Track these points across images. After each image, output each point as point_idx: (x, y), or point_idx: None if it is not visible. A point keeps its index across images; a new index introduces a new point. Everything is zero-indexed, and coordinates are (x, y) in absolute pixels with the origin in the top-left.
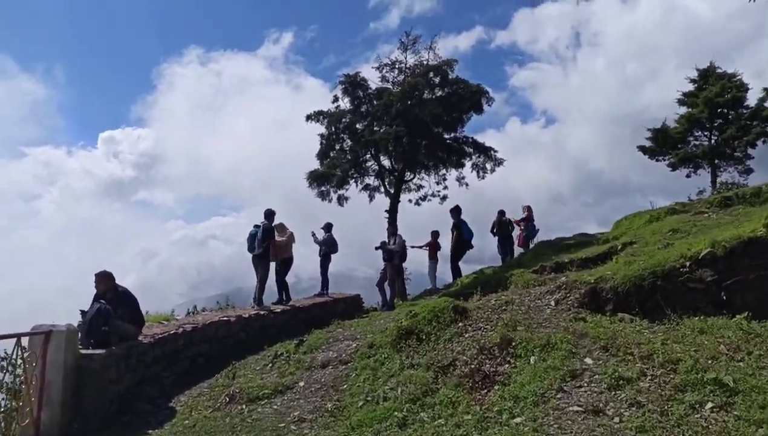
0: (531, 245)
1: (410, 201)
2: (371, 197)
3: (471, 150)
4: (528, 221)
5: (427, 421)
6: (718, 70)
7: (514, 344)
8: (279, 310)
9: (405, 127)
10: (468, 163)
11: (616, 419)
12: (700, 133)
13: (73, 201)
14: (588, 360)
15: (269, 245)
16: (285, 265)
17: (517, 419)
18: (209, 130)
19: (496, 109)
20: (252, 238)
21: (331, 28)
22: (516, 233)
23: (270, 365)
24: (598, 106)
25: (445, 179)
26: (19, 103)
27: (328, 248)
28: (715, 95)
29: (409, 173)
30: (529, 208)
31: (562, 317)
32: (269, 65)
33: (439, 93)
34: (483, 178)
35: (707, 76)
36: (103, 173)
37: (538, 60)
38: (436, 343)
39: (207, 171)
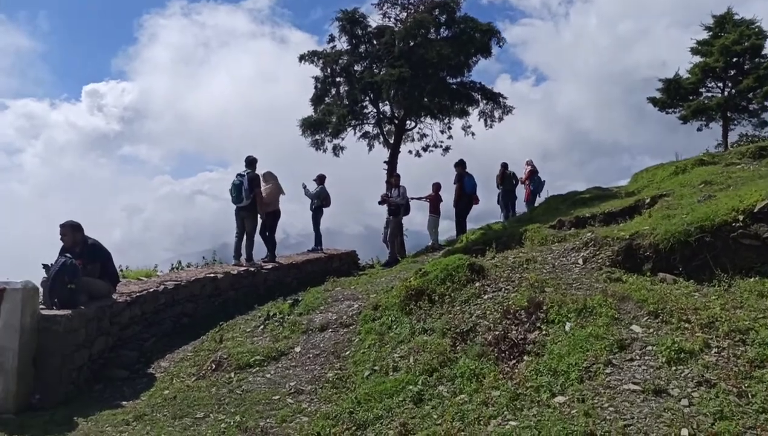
0: (537, 200)
1: (410, 152)
2: (370, 146)
3: (479, 96)
4: (533, 175)
5: (446, 396)
6: (736, 17)
7: (544, 307)
8: (270, 266)
9: (409, 69)
10: (474, 111)
11: (684, 402)
12: (713, 84)
13: (57, 154)
14: (635, 328)
15: (257, 195)
16: (272, 219)
17: (560, 398)
18: (194, 84)
19: (486, 65)
20: (237, 187)
21: None
22: (520, 188)
23: (262, 327)
24: (589, 65)
25: (449, 128)
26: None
27: (320, 201)
28: (732, 43)
29: (410, 121)
30: (531, 163)
31: (593, 276)
32: (254, 18)
33: (446, 33)
34: (491, 126)
35: (723, 23)
36: (88, 126)
37: (530, 16)
38: (452, 305)
39: (192, 126)
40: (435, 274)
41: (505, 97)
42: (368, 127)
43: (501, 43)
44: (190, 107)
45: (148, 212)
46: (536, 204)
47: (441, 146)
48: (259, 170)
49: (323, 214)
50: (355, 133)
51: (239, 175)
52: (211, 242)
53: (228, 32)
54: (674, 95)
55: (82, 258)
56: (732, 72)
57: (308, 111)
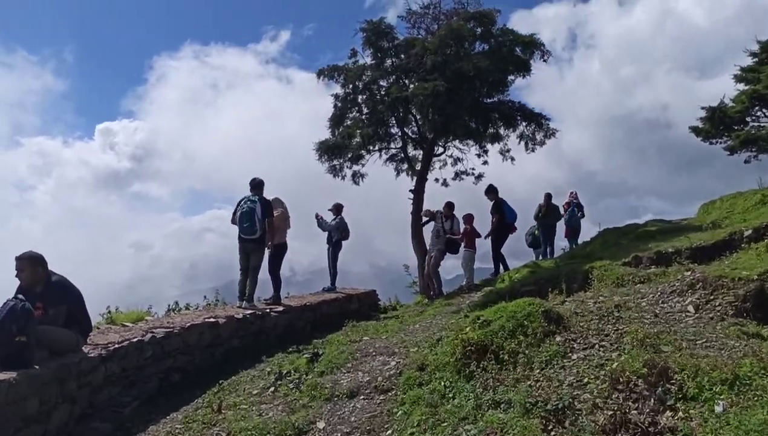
0: (578, 236)
1: (437, 180)
2: (398, 171)
3: (518, 117)
4: (571, 207)
5: None
6: None
7: (672, 376)
8: (281, 309)
9: (444, 83)
10: (510, 134)
11: None
12: (762, 113)
13: (68, 192)
14: None
15: (269, 224)
16: (279, 253)
17: None
18: (205, 125)
19: None
20: (250, 215)
21: (328, 26)
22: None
23: (272, 389)
24: (592, 108)
25: (486, 152)
26: (16, 93)
27: (339, 233)
28: None
29: (438, 146)
30: (571, 194)
31: (718, 330)
32: (265, 62)
33: (482, 47)
34: (533, 150)
35: None
36: (100, 164)
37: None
38: (529, 368)
39: (202, 165)
40: (500, 323)
41: (548, 119)
42: (395, 150)
43: (546, 57)
44: (198, 146)
45: (157, 249)
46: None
47: (473, 174)
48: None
49: (341, 249)
50: (381, 156)
51: (249, 199)
52: (217, 279)
53: (239, 75)
54: (719, 124)
55: (44, 300)
56: None
57: (316, 137)
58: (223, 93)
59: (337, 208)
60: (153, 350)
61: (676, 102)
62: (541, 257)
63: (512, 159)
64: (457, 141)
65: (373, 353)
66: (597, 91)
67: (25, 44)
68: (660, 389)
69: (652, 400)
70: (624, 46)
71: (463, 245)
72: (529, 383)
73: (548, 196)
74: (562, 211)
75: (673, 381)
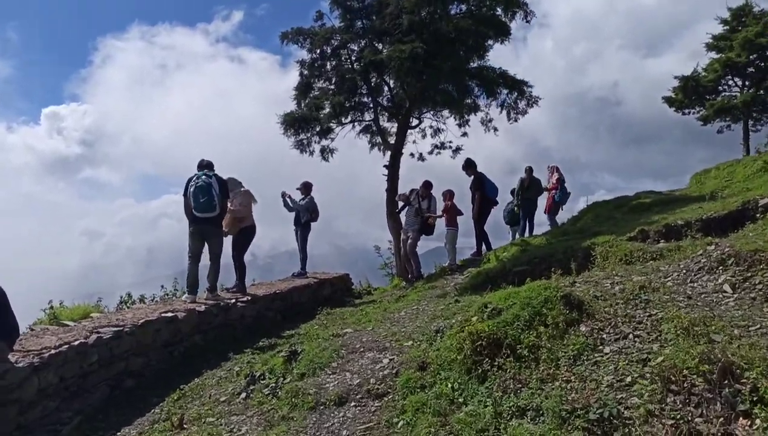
0: (560, 212)
1: (412, 155)
2: (372, 144)
3: (501, 83)
4: (561, 183)
5: None
6: (756, 9)
7: (739, 373)
8: (246, 299)
9: (422, 45)
10: (490, 103)
11: None
12: (734, 82)
13: (13, 178)
14: None
15: (224, 205)
16: (245, 237)
17: None
18: (154, 107)
19: None
20: (206, 190)
21: (282, 7)
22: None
23: (243, 395)
24: (547, 87)
25: (467, 122)
26: None
27: (309, 214)
28: (755, 35)
29: (414, 117)
30: (557, 169)
31: (766, 312)
32: (216, 41)
33: (460, 8)
34: (516, 120)
35: (742, 16)
36: (47, 150)
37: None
38: (555, 365)
39: (153, 149)
40: (513, 312)
41: (530, 86)
42: (367, 122)
43: (529, 18)
44: (149, 129)
45: (110, 236)
46: (557, 217)
47: (450, 147)
48: None
49: (311, 231)
50: (353, 127)
51: (204, 174)
52: (175, 266)
53: (190, 55)
54: (692, 94)
55: None
56: (754, 68)
57: (271, 118)
58: (173, 74)
59: (306, 187)
60: (99, 354)
61: (625, 79)
62: (517, 235)
63: (495, 129)
64: (435, 111)
65: (361, 349)
66: (551, 70)
67: None
68: (727, 390)
69: (718, 404)
70: (576, 25)
71: (445, 223)
72: (558, 383)
73: (530, 170)
74: (548, 185)
75: (743, 380)
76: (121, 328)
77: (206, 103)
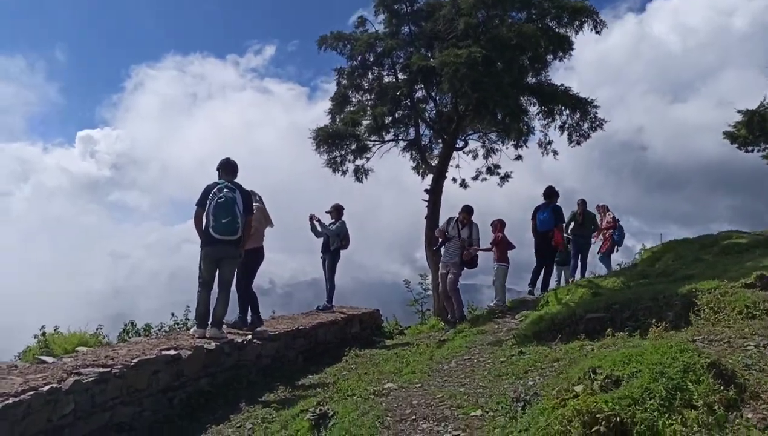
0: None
1: (454, 180)
2: (418, 162)
3: (563, 101)
4: (617, 222)
5: None
6: None
7: None
8: (267, 335)
9: (481, 50)
10: (550, 122)
11: None
12: None
13: (46, 199)
14: None
15: (248, 222)
16: (254, 261)
17: None
18: (184, 134)
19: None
20: (229, 207)
21: (313, 44)
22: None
23: None
24: (553, 140)
25: (525, 143)
26: None
27: (339, 241)
28: None
29: (460, 138)
30: (606, 207)
31: None
32: (246, 73)
33: (519, 16)
34: (578, 143)
35: None
36: (79, 172)
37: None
38: None
39: (180, 174)
40: (640, 384)
41: (596, 106)
42: (404, 141)
43: (599, 29)
44: (176, 154)
45: (134, 259)
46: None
47: (497, 173)
48: None
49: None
50: (396, 144)
51: (226, 187)
52: (193, 293)
53: (216, 84)
54: (757, 130)
55: None
56: None
57: (295, 148)
58: (202, 103)
59: (338, 211)
60: (77, 403)
61: (650, 124)
62: (569, 277)
63: (555, 153)
64: (486, 130)
65: (412, 417)
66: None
67: (5, 48)
68: None
69: None
70: (600, 69)
71: (494, 258)
72: None
73: (583, 203)
74: (602, 224)
75: None
76: (108, 369)
77: (233, 131)
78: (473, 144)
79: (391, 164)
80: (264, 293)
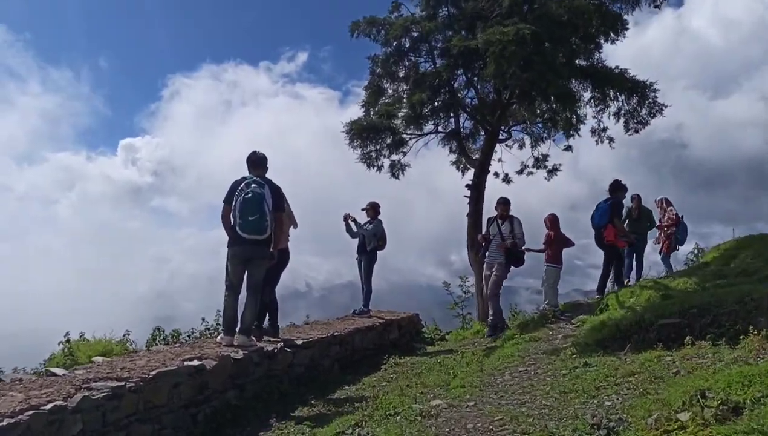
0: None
1: (497, 175)
2: (458, 156)
3: (619, 85)
4: (680, 219)
5: None
6: None
7: None
8: (300, 342)
9: (529, 27)
10: (605, 107)
11: None
12: None
13: (91, 206)
14: None
15: (278, 220)
16: (280, 263)
17: None
18: (219, 141)
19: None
20: (257, 203)
21: (345, 50)
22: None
23: None
24: (608, 126)
25: (576, 131)
26: (39, 111)
27: (376, 241)
28: None
29: (503, 130)
30: (668, 201)
31: None
32: (280, 80)
33: None
34: (636, 131)
35: None
36: (121, 179)
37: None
38: None
39: (216, 180)
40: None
41: (655, 90)
42: (443, 133)
43: (659, 3)
44: (213, 161)
45: (175, 263)
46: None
47: (545, 166)
48: None
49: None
50: (436, 136)
51: (254, 181)
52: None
53: (249, 91)
54: None
55: None
56: None
57: (327, 151)
58: (237, 110)
59: (374, 209)
60: (85, 423)
61: (690, 122)
62: (627, 277)
63: (611, 140)
64: (534, 118)
65: None
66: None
67: (49, 61)
68: None
69: None
70: (639, 64)
71: (545, 258)
72: None
73: (638, 198)
74: (663, 221)
75: None
76: (122, 383)
77: (267, 136)
78: (517, 136)
79: (425, 165)
80: (300, 296)
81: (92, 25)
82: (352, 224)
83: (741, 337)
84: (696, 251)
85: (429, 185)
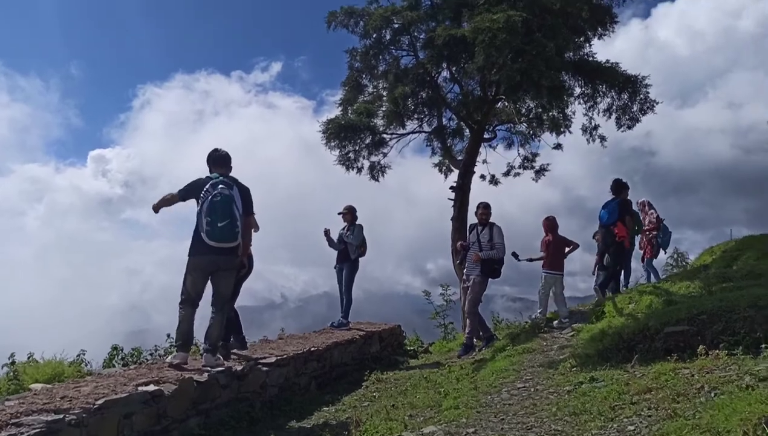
0: (659, 257)
1: (483, 177)
2: (441, 159)
3: (606, 81)
4: (661, 222)
5: None
6: None
7: None
8: (272, 360)
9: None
10: (596, 103)
11: None
12: None
13: (60, 217)
14: None
15: (248, 224)
16: (245, 271)
17: None
18: (194, 151)
19: None
20: (226, 207)
21: (319, 59)
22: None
23: None
24: (579, 136)
25: (568, 127)
26: (7, 121)
27: (358, 250)
28: None
29: (487, 130)
30: (649, 204)
31: None
32: (254, 90)
33: None
34: (628, 127)
35: None
36: (91, 190)
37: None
38: None
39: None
40: None
41: (647, 85)
42: (425, 132)
43: None
44: (184, 173)
45: (146, 275)
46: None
47: (530, 166)
48: None
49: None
50: (419, 134)
51: (221, 182)
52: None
53: (228, 103)
54: None
55: None
56: None
57: (300, 162)
58: (209, 120)
59: (352, 212)
60: None
61: (658, 130)
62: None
63: (602, 139)
64: (517, 119)
65: None
66: (581, 118)
67: (18, 69)
68: None
69: None
70: None
71: (542, 265)
72: None
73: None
74: (649, 233)
75: None
76: (61, 415)
77: (240, 146)
78: (502, 135)
79: (401, 173)
80: (276, 307)
81: (64, 32)
82: (332, 238)
83: (763, 345)
84: (675, 256)
85: (405, 193)
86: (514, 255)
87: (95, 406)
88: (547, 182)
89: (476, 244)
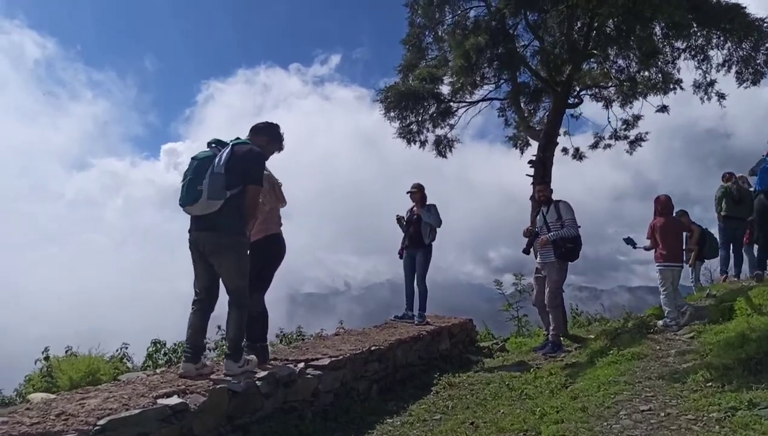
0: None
1: (565, 151)
2: (515, 131)
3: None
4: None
5: None
6: None
7: None
8: (326, 362)
9: None
10: (715, 52)
11: None
12: None
13: (136, 209)
14: None
15: (248, 194)
16: (267, 254)
17: None
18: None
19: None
20: (196, 166)
21: (378, 51)
22: None
23: None
24: (650, 117)
25: (679, 84)
26: (86, 118)
27: (432, 233)
28: None
29: (573, 94)
30: (745, 179)
31: None
32: (313, 83)
33: None
34: (753, 83)
35: None
36: (164, 183)
37: None
38: None
39: None
40: None
41: None
42: (499, 98)
43: None
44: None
45: None
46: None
47: (625, 137)
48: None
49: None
50: (491, 101)
51: (210, 143)
52: (278, 290)
53: (281, 93)
54: None
55: None
56: None
57: (356, 152)
58: (268, 113)
59: (421, 190)
60: None
61: (734, 110)
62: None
63: (721, 97)
64: (608, 77)
65: None
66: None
67: (94, 66)
68: None
69: None
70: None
71: (655, 255)
72: None
73: (734, 176)
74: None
75: None
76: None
77: (299, 137)
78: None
79: (461, 159)
80: (340, 294)
81: (135, 28)
82: (403, 218)
83: None
84: None
85: (465, 181)
86: (630, 241)
87: (96, 427)
88: (615, 166)
89: (543, 227)
